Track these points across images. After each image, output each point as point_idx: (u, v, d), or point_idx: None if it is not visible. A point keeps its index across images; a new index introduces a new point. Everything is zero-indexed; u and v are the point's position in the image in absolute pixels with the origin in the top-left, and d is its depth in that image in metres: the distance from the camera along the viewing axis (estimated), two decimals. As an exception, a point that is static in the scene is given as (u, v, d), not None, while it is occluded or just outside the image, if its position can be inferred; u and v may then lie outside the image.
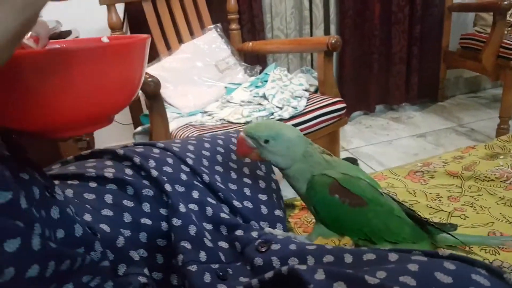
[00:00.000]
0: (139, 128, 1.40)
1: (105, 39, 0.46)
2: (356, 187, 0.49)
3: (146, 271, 0.43)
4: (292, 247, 0.45)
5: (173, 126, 1.30)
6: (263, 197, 0.59)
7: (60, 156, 1.12)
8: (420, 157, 1.86)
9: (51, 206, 0.35)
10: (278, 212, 0.59)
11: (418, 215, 0.53)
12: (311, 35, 2.07)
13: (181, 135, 1.24)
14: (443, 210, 0.67)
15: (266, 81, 1.49)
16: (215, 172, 0.59)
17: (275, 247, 0.45)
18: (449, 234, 0.51)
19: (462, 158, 0.85)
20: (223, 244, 0.50)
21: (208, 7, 1.69)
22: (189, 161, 0.58)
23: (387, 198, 0.52)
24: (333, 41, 1.33)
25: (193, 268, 0.43)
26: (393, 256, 0.37)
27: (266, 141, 0.51)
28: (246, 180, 0.61)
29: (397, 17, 2.16)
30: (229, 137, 0.69)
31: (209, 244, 0.47)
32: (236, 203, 0.55)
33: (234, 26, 1.76)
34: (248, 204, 0.57)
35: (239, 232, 0.50)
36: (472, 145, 0.92)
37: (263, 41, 1.92)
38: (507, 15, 1.81)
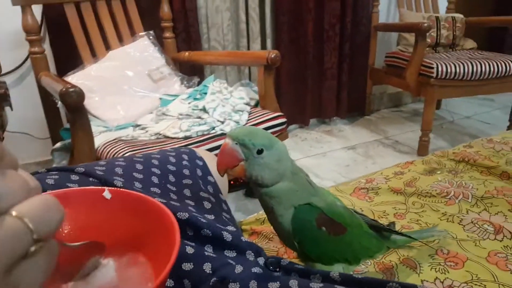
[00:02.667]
0: (58, 144, 1.24)
1: (107, 194, 0.37)
2: (338, 215, 0.47)
3: None
4: (253, 285, 0.40)
5: (99, 141, 1.17)
6: (210, 217, 0.53)
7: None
8: (351, 168, 1.93)
9: None
10: (231, 228, 0.52)
11: (376, 221, 0.54)
12: (248, 48, 2.05)
13: (108, 151, 1.11)
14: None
15: (205, 93, 1.43)
16: (151, 196, 0.51)
17: (233, 286, 0.40)
18: (401, 234, 0.55)
19: (403, 174, 0.87)
20: (168, 283, 0.42)
21: (139, 13, 1.59)
22: (118, 184, 0.50)
23: (355, 216, 0.51)
24: (272, 55, 1.32)
25: None
26: None
27: (260, 152, 0.43)
28: (188, 201, 0.54)
29: (328, 35, 2.25)
30: (166, 156, 0.61)
31: None
32: (182, 214, 0.47)
33: (168, 34, 1.67)
34: None
35: (187, 266, 0.43)
36: (409, 160, 0.95)
37: (202, 51, 1.85)
38: (427, 36, 1.97)
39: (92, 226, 0.30)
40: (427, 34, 1.96)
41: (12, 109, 1.24)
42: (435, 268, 0.59)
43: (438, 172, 0.86)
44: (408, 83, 2.00)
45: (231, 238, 0.47)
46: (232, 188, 1.65)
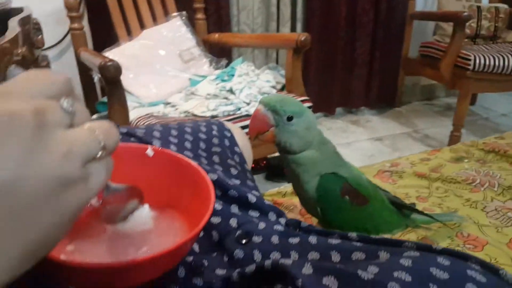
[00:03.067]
0: (94, 116, 1.30)
1: (150, 152, 0.40)
2: (362, 187, 0.49)
3: None
4: (275, 240, 0.42)
5: (132, 115, 1.22)
6: (236, 181, 0.55)
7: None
8: (376, 158, 1.90)
9: None
10: (255, 193, 0.55)
11: (398, 198, 0.56)
12: (278, 32, 2.05)
13: (141, 125, 1.16)
14: (413, 211, 0.66)
15: (233, 75, 1.45)
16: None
17: (256, 239, 0.42)
18: (422, 213, 0.55)
19: (429, 160, 0.86)
20: None
21: (173, -7, 1.61)
22: (156, 145, 0.53)
23: (378, 190, 0.53)
24: (302, 38, 1.31)
25: None
26: (384, 255, 0.35)
27: (290, 118, 0.45)
28: (217, 167, 0.57)
29: (362, 20, 2.20)
30: (197, 125, 0.65)
31: None
32: (212, 176, 0.50)
33: (199, 15, 1.69)
34: None
35: (215, 219, 0.46)
36: (437, 148, 0.93)
37: (231, 33, 1.87)
38: (466, 26, 1.89)
39: (133, 180, 0.33)
40: (467, 24, 1.89)
41: (51, 82, 1.31)
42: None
43: (466, 160, 0.85)
44: (442, 75, 1.93)
45: (255, 200, 0.49)
46: (253, 171, 1.68)
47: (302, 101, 1.32)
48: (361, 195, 0.48)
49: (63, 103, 0.22)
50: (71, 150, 0.20)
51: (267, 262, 0.35)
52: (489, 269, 0.32)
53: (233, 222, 0.45)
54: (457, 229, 0.63)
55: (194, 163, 0.39)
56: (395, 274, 0.30)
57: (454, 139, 1.98)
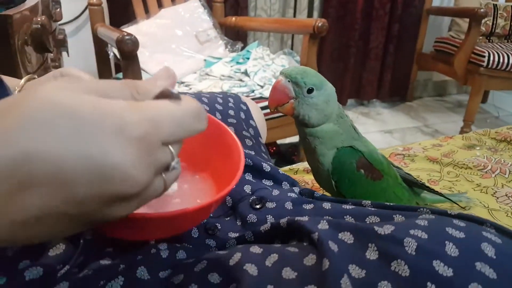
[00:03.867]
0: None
1: None
2: (377, 162, 0.49)
3: None
4: (289, 206, 0.42)
5: (147, 92, 1.23)
6: (251, 152, 0.56)
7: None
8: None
9: None
10: (269, 163, 0.56)
11: (410, 175, 0.56)
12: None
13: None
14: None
15: (248, 59, 1.46)
16: None
17: (270, 205, 0.43)
18: (433, 191, 0.57)
19: (441, 146, 0.87)
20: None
21: (192, -26, 1.62)
22: None
23: (392, 167, 0.53)
24: (319, 24, 1.32)
25: None
26: (399, 219, 0.36)
27: (310, 90, 0.45)
28: None
29: (378, 14, 2.19)
30: (214, 97, 0.65)
31: None
32: None
33: (218, -2, 1.69)
34: None
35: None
36: (449, 136, 0.94)
37: (248, 17, 1.87)
38: (481, 24, 1.88)
39: None
40: (482, 22, 1.88)
41: (68, 55, 1.32)
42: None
43: (478, 148, 0.86)
44: (456, 70, 1.93)
45: (269, 169, 0.50)
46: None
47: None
48: (376, 170, 0.49)
49: (173, 163, 0.24)
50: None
51: (283, 220, 0.36)
52: (504, 232, 0.33)
53: (247, 188, 0.45)
54: (467, 212, 0.64)
55: (228, 129, 0.39)
56: (411, 231, 0.30)
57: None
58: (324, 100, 0.46)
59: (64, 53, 1.36)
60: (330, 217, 0.39)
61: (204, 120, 0.25)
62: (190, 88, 1.33)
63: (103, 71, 1.50)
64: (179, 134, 0.23)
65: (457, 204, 0.61)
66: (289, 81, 0.45)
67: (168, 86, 0.25)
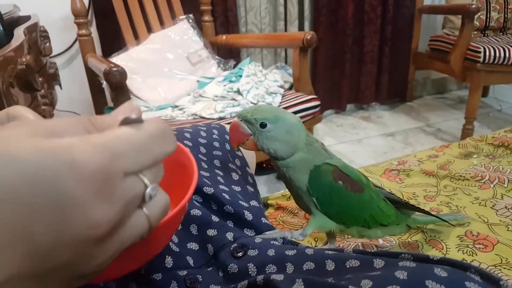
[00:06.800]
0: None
1: None
2: (354, 174, 0.49)
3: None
4: (271, 253, 0.41)
5: (141, 120, 1.23)
6: (236, 188, 0.55)
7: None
8: (389, 155, 1.88)
9: None
10: (254, 203, 0.54)
11: (396, 196, 0.55)
12: (286, 31, 2.04)
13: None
14: (420, 210, 0.66)
15: (241, 76, 1.45)
16: None
17: (252, 252, 0.42)
18: (425, 212, 0.55)
19: (437, 157, 0.85)
20: (193, 246, 0.45)
21: (179, -4, 1.63)
22: None
23: (371, 183, 0.52)
24: (308, 37, 1.31)
25: (158, 276, 0.39)
26: (378, 263, 0.35)
27: (263, 125, 0.46)
28: (218, 171, 0.57)
29: (370, 17, 2.18)
30: (197, 130, 0.64)
31: (176, 249, 0.42)
32: (208, 189, 0.50)
33: (207, 17, 1.70)
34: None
35: (211, 232, 0.46)
36: (446, 144, 0.92)
37: (238, 34, 1.87)
38: (475, 19, 1.86)
39: None
40: (476, 16, 1.86)
41: (61, 88, 1.33)
42: (463, 250, 0.58)
43: (475, 156, 0.84)
44: (452, 68, 1.91)
45: (251, 218, 0.49)
46: (264, 171, 1.68)
47: (310, 99, 1.32)
48: (355, 182, 0.48)
49: (148, 191, 0.22)
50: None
51: (259, 278, 0.35)
52: (489, 279, 0.31)
53: (229, 235, 0.45)
54: (466, 228, 0.62)
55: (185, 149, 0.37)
56: None
57: (466, 132, 1.95)
58: (285, 131, 0.47)
59: (56, 87, 1.37)
60: (311, 263, 0.38)
61: (171, 140, 0.23)
62: (184, 112, 1.32)
63: (98, 100, 1.51)
64: (145, 160, 0.21)
65: (450, 224, 0.60)
66: (241, 120, 0.48)
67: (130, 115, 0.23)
